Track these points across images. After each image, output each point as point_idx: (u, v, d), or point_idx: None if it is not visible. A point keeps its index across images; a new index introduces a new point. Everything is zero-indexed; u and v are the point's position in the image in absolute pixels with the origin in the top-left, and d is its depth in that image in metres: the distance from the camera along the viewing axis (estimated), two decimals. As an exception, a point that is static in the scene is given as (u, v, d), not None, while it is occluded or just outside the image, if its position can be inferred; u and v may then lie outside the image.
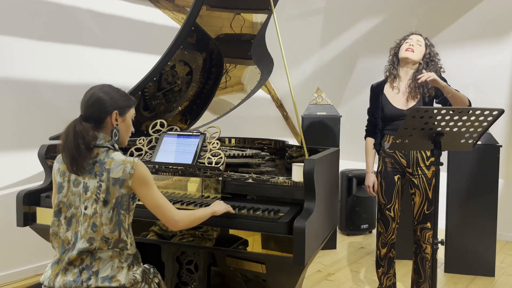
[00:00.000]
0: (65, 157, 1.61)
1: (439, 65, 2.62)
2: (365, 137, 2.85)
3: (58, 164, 1.68)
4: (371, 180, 2.79)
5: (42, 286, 1.64)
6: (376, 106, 2.73)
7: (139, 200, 1.69)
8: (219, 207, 1.91)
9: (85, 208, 1.60)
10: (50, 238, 1.67)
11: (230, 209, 1.94)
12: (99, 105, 1.64)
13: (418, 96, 2.60)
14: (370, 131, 2.81)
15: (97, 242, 1.58)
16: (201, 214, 1.83)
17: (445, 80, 2.58)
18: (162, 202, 1.68)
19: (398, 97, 2.66)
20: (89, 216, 1.59)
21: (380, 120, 2.71)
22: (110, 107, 1.66)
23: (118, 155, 1.63)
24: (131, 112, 1.76)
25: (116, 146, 1.71)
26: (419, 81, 2.43)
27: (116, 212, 1.61)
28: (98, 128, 1.66)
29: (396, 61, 2.70)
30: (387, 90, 2.71)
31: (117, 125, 1.69)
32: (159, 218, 1.70)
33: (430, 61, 2.60)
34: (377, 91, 2.75)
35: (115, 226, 1.61)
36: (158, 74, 2.55)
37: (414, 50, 2.60)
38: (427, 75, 2.39)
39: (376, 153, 2.79)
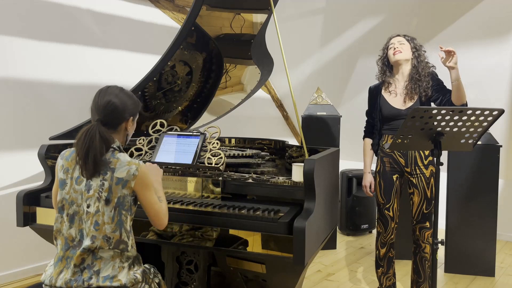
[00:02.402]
0: (85, 161, 1.59)
1: (426, 60, 2.66)
2: (363, 138, 2.88)
3: (62, 160, 1.69)
4: (368, 180, 2.82)
5: (43, 285, 1.64)
6: (374, 108, 2.76)
7: None
8: (155, 176, 1.79)
9: (88, 206, 1.61)
10: (53, 234, 1.68)
11: (160, 171, 1.87)
12: (117, 113, 1.69)
13: (415, 97, 2.63)
14: (368, 132, 2.84)
15: (98, 241, 1.59)
16: (164, 204, 1.75)
17: (441, 82, 2.63)
18: (158, 207, 1.68)
19: (396, 98, 2.69)
20: (92, 214, 1.60)
21: (379, 121, 2.73)
22: (126, 114, 1.72)
23: (123, 156, 1.65)
24: (137, 115, 1.82)
25: (121, 147, 1.73)
26: (443, 49, 2.35)
27: (117, 212, 1.62)
28: (113, 132, 1.70)
29: (387, 69, 2.73)
30: (384, 91, 2.73)
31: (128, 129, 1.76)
32: (149, 217, 1.70)
33: (418, 55, 2.63)
34: (375, 93, 2.77)
35: (117, 226, 1.61)
36: (158, 74, 2.55)
37: (401, 50, 2.64)
38: (455, 59, 2.35)
39: (374, 154, 2.81)
